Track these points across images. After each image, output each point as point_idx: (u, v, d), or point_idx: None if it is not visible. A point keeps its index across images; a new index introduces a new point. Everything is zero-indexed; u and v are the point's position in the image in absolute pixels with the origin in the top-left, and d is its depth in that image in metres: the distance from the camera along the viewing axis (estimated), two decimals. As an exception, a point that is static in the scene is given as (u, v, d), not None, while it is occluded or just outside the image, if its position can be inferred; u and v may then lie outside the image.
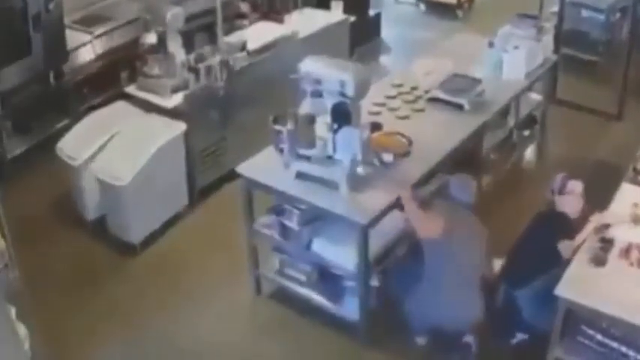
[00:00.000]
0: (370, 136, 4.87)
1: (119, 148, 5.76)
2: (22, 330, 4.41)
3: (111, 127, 5.91)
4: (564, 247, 4.50)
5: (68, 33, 6.93)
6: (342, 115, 4.67)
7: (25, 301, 4.67)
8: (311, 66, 4.74)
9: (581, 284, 4.19)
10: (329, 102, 4.69)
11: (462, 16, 9.93)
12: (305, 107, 4.85)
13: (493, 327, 4.81)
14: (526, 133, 6.70)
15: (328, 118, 4.75)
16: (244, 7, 7.50)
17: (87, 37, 7.16)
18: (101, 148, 5.77)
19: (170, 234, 5.98)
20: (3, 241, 4.94)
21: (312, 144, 4.86)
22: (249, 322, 5.27)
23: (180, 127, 5.95)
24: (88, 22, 7.28)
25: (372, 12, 9.19)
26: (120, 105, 6.29)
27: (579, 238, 4.52)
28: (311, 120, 4.84)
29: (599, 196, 4.83)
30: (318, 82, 4.69)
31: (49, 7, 6.57)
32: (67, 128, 6.28)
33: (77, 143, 5.90)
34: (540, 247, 4.59)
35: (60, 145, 5.94)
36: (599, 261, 4.32)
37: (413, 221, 4.62)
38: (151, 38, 6.40)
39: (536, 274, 4.52)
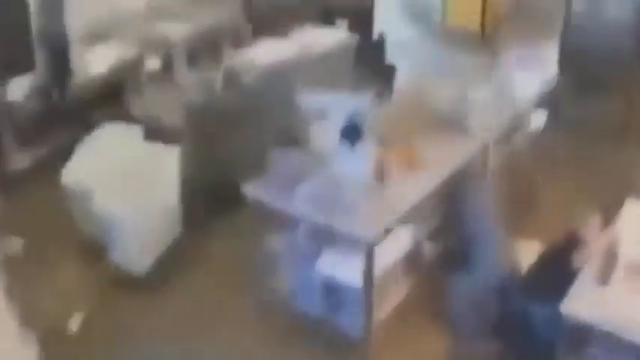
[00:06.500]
0: (379, 154, 4.88)
1: (123, 176, 5.66)
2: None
3: (114, 151, 5.86)
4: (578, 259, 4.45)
5: (73, 49, 6.94)
6: (351, 135, 4.68)
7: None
8: (314, 94, 4.77)
9: (586, 301, 4.12)
10: (337, 122, 4.70)
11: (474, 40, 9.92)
12: (312, 130, 4.86)
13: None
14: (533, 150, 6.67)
15: (335, 139, 4.75)
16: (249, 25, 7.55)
17: (92, 54, 7.18)
18: (105, 176, 5.67)
19: (174, 258, 5.86)
20: None
21: (316, 165, 4.87)
22: (253, 338, 5.19)
23: (177, 150, 5.91)
24: (93, 39, 7.30)
25: (376, 33, 9.19)
26: (123, 124, 6.24)
27: (591, 248, 4.45)
28: (314, 140, 4.86)
29: (606, 213, 4.80)
30: (324, 103, 4.71)
31: (53, 22, 6.59)
32: (70, 145, 6.20)
33: (79, 170, 5.81)
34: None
35: (65, 172, 5.82)
36: (604, 278, 4.27)
37: None
38: (154, 60, 6.43)
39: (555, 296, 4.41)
